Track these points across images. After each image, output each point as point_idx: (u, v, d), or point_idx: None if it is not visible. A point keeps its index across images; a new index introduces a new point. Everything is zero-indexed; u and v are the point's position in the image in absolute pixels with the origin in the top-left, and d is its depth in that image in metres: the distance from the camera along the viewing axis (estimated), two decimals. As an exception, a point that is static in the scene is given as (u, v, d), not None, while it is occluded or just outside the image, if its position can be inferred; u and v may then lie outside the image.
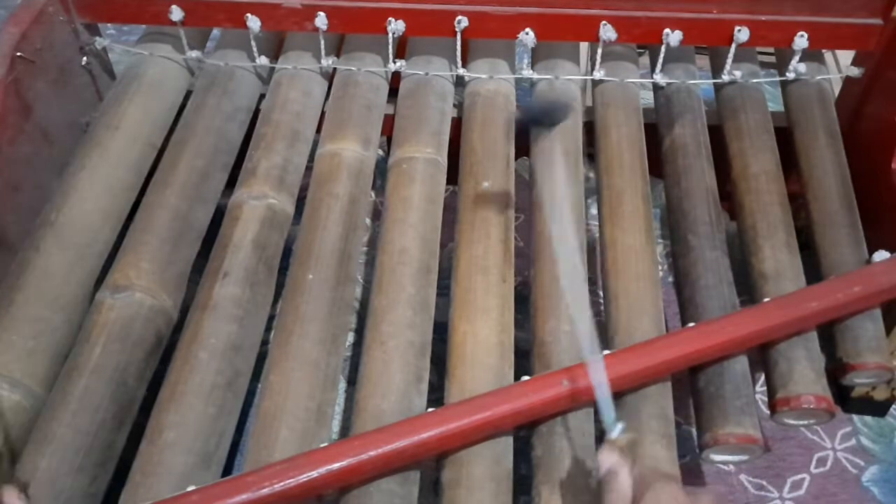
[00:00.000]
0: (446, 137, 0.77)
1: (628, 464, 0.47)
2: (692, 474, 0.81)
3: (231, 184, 0.73)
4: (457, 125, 0.78)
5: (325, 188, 0.70)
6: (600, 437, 0.58)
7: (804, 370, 0.61)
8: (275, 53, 0.84)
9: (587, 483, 0.56)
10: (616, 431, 0.49)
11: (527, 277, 0.68)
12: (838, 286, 0.63)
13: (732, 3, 0.75)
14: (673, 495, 0.44)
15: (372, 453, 0.53)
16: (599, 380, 0.52)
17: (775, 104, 0.81)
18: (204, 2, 0.76)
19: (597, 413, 0.60)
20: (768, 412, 0.62)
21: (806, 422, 0.63)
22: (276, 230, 0.69)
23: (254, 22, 0.76)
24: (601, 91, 0.81)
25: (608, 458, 0.48)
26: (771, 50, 0.86)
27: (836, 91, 0.82)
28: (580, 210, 0.71)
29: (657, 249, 0.69)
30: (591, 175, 0.77)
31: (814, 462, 0.85)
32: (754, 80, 0.80)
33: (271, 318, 0.65)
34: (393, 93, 0.82)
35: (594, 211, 0.77)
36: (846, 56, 0.83)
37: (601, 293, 0.67)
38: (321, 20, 0.75)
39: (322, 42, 0.78)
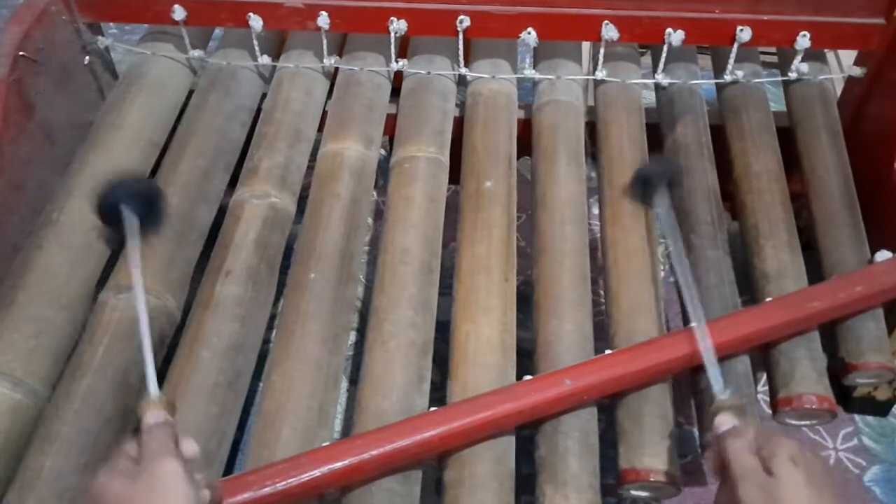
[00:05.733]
0: (448, 137, 0.77)
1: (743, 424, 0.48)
2: (694, 474, 0.81)
3: (233, 183, 0.73)
4: (459, 124, 0.78)
5: (327, 187, 0.71)
6: (603, 437, 0.59)
7: (806, 370, 0.61)
8: (277, 53, 0.84)
9: (591, 482, 0.56)
10: (726, 393, 0.50)
11: (529, 277, 0.68)
12: (840, 286, 0.63)
13: (734, 3, 0.75)
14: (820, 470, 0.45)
15: (374, 452, 0.53)
16: (706, 344, 0.54)
17: (777, 104, 0.81)
18: (206, 1, 0.76)
19: (602, 410, 0.60)
20: (770, 412, 0.62)
21: (808, 422, 0.63)
22: (277, 229, 0.69)
23: (256, 21, 0.76)
24: (603, 91, 0.81)
25: (725, 419, 0.49)
26: (773, 50, 0.86)
27: (839, 91, 0.82)
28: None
29: (658, 249, 0.69)
30: (593, 175, 0.77)
31: (815, 462, 0.85)
32: (756, 80, 0.80)
33: (273, 318, 0.65)
34: (395, 92, 0.82)
35: (596, 211, 0.77)
36: (848, 56, 0.83)
37: (602, 293, 0.67)
38: (323, 20, 0.76)
39: (324, 41, 0.78)
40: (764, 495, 0.43)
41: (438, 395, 0.60)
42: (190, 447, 0.45)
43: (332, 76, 0.83)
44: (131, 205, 0.58)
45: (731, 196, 0.74)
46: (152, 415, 0.46)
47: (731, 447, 0.47)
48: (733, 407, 0.50)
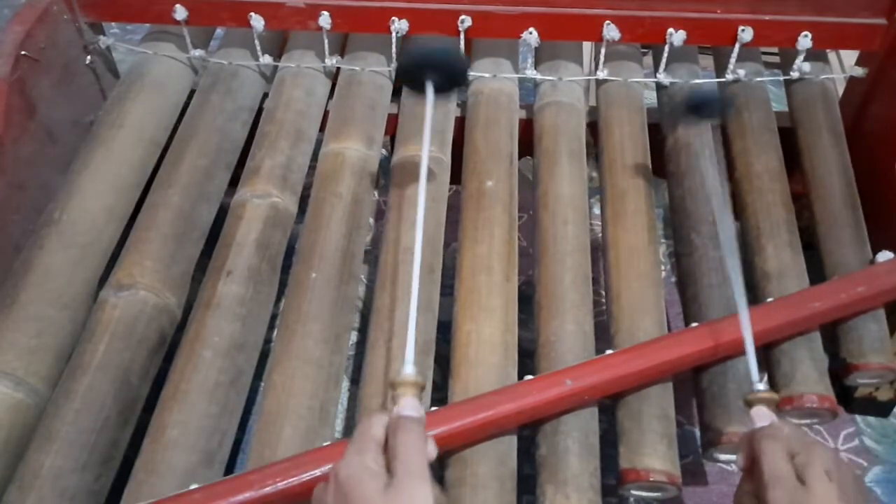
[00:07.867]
0: (450, 136, 0.77)
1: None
2: (694, 474, 0.81)
3: (234, 183, 0.73)
4: (460, 124, 0.78)
5: (328, 187, 0.71)
6: (604, 437, 0.58)
7: (807, 370, 0.61)
8: (278, 52, 0.84)
9: (591, 483, 0.56)
10: (763, 384, 0.50)
11: (530, 277, 0.68)
12: (842, 286, 0.63)
13: (736, 3, 0.75)
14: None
15: (375, 452, 0.53)
16: (747, 334, 0.53)
17: (779, 104, 0.81)
18: (208, 1, 0.76)
19: (604, 410, 0.60)
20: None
21: (809, 421, 0.63)
22: (279, 229, 0.69)
23: (257, 21, 0.76)
24: (605, 91, 0.81)
25: (762, 414, 0.49)
26: (775, 50, 0.86)
27: (840, 91, 0.82)
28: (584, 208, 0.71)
29: (660, 249, 0.69)
30: (595, 174, 0.77)
31: (817, 462, 0.85)
32: (758, 80, 0.80)
33: (274, 317, 0.65)
34: (396, 92, 0.82)
35: (597, 210, 0.77)
36: (850, 56, 0.83)
37: (603, 293, 0.68)
38: (325, 19, 0.76)
39: (325, 41, 0.78)
40: None
41: (440, 394, 0.60)
42: (433, 450, 0.43)
43: (334, 76, 0.83)
44: (434, 74, 0.60)
45: (732, 196, 0.74)
46: (413, 404, 0.43)
47: (766, 448, 0.46)
48: (770, 400, 0.49)
